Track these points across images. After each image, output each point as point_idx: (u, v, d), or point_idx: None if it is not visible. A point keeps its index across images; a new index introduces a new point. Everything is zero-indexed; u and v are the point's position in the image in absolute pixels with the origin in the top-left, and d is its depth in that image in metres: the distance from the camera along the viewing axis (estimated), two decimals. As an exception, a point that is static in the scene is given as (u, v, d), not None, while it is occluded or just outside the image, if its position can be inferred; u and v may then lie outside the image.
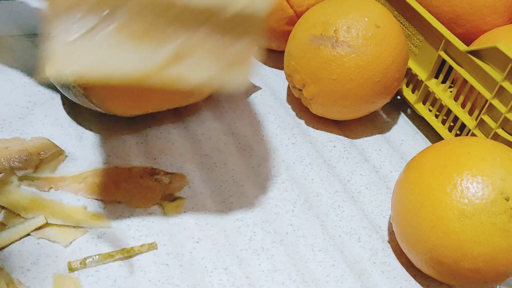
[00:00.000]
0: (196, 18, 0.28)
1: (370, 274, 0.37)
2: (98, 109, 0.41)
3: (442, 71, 0.46)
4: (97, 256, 0.35)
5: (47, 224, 0.36)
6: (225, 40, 0.29)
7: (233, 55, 0.30)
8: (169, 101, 0.44)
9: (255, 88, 0.51)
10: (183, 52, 0.28)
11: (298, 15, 0.49)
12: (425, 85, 0.48)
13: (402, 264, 0.39)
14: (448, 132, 0.47)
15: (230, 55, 0.30)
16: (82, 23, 0.27)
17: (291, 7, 0.49)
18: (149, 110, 0.43)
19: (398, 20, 0.48)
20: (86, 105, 0.42)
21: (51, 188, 0.39)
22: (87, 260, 0.35)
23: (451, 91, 0.46)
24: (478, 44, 0.45)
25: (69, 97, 0.42)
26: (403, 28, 0.48)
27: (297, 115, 0.49)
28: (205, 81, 0.30)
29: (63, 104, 0.46)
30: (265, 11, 0.30)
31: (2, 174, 0.38)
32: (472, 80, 0.43)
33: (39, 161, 0.40)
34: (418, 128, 0.51)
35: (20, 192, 0.38)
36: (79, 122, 0.44)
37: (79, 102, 0.42)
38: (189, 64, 0.29)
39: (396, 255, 0.39)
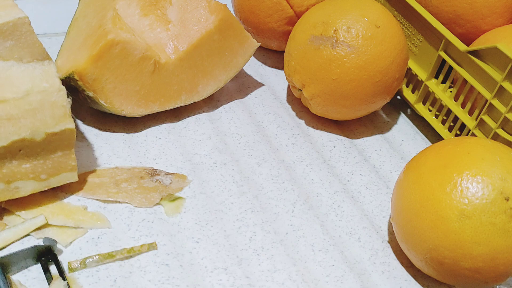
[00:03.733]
0: (9, 153, 0.34)
1: (370, 274, 0.37)
2: (107, 110, 0.42)
3: (442, 71, 0.46)
4: (97, 256, 0.35)
5: (47, 224, 0.36)
6: (41, 158, 0.35)
7: (53, 166, 0.36)
8: (174, 99, 0.44)
9: (258, 85, 0.51)
10: (5, 179, 0.35)
11: (298, 15, 0.50)
12: (425, 85, 0.48)
13: (402, 264, 0.39)
14: (448, 132, 0.47)
15: (49, 167, 0.36)
16: None
17: (291, 7, 0.49)
18: (155, 110, 0.44)
19: (398, 20, 0.48)
20: (95, 107, 0.42)
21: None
22: (87, 260, 0.35)
23: (451, 91, 0.46)
24: (478, 44, 0.45)
25: (77, 100, 0.42)
26: (403, 28, 0.48)
27: (297, 115, 0.49)
28: (35, 190, 0.36)
29: (63, 104, 0.46)
30: (71, 126, 0.35)
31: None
32: (472, 80, 0.43)
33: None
34: (418, 128, 0.51)
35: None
36: (79, 122, 0.44)
37: (87, 104, 0.42)
38: (13, 185, 0.35)
39: (396, 255, 0.39)
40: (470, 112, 0.44)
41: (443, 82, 0.48)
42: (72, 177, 0.37)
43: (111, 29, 0.40)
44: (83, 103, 0.43)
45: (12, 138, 0.33)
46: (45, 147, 0.35)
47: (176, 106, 0.45)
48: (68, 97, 0.35)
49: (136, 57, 0.41)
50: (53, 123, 0.35)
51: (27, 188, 0.36)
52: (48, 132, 0.34)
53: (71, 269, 0.34)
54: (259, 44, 0.47)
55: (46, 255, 0.34)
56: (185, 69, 0.44)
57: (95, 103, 0.41)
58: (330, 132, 0.48)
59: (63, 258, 0.35)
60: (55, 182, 0.37)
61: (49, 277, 0.33)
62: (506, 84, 0.40)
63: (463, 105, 0.45)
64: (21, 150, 0.34)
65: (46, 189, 0.37)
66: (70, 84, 0.40)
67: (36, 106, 0.34)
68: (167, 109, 0.45)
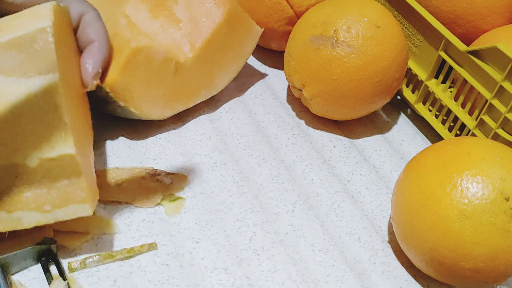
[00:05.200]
0: (4, 178, 0.31)
1: (370, 274, 0.37)
2: (137, 117, 0.42)
3: (442, 71, 0.46)
4: (97, 256, 0.35)
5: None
6: (44, 187, 0.32)
7: (58, 196, 0.32)
8: (195, 96, 0.45)
9: (258, 85, 0.51)
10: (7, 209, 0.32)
11: (298, 15, 0.49)
12: (425, 85, 0.48)
13: (402, 264, 0.39)
14: (448, 132, 0.47)
15: (53, 198, 0.32)
16: None
17: (291, 7, 0.49)
18: (180, 109, 0.45)
19: (398, 20, 0.48)
20: (124, 115, 0.43)
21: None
22: (87, 260, 0.35)
23: (451, 91, 0.46)
24: (478, 44, 0.45)
25: (105, 111, 0.43)
26: (403, 28, 0.48)
27: (297, 115, 0.49)
28: (40, 222, 0.32)
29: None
30: (70, 151, 0.31)
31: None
32: (472, 80, 0.43)
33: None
34: (418, 128, 0.51)
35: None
36: (79, 122, 0.44)
37: (116, 113, 0.43)
38: (15, 215, 0.32)
39: (396, 255, 0.39)
40: (470, 112, 0.44)
41: (443, 82, 0.48)
42: (84, 211, 0.33)
43: (131, 37, 0.41)
44: (111, 114, 0.43)
45: (1, 163, 0.30)
46: (46, 174, 0.31)
47: (197, 102, 0.46)
48: (66, 117, 0.31)
49: (158, 61, 0.42)
50: (48, 147, 0.31)
51: (30, 219, 0.32)
52: (42, 157, 0.31)
53: (71, 269, 0.34)
54: (263, 29, 0.48)
55: (46, 255, 0.34)
56: (202, 65, 0.45)
57: (126, 112, 0.42)
58: (330, 132, 0.48)
59: (63, 258, 0.35)
60: (63, 214, 0.32)
61: (49, 277, 0.33)
62: (506, 84, 0.40)
63: (463, 105, 0.45)
64: (16, 176, 0.31)
65: (53, 222, 0.32)
66: (100, 96, 0.40)
67: (27, 128, 0.30)
68: (189, 107, 0.45)
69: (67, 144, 0.31)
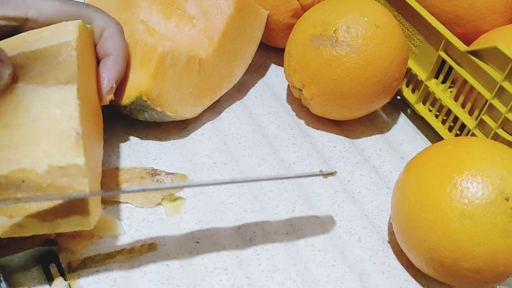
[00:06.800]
0: (11, 183, 0.30)
1: (370, 274, 0.37)
2: (173, 119, 0.43)
3: (442, 71, 0.46)
4: (97, 256, 0.35)
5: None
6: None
7: (62, 206, 0.31)
8: (219, 89, 0.46)
9: (258, 85, 0.51)
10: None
11: (304, 8, 0.49)
12: (425, 85, 0.48)
13: (402, 264, 0.39)
14: (448, 132, 0.47)
15: (57, 207, 0.31)
16: None
17: (297, 0, 0.49)
18: (207, 104, 0.45)
19: (398, 20, 0.48)
20: (160, 119, 0.43)
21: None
22: (87, 260, 0.35)
23: (451, 91, 0.46)
24: (478, 44, 0.45)
25: (141, 119, 0.43)
26: (403, 28, 0.48)
27: (297, 115, 0.49)
28: (40, 231, 0.32)
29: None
30: (79, 162, 0.31)
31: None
32: (472, 80, 0.43)
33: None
34: (418, 128, 0.51)
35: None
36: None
37: (152, 119, 0.43)
38: (16, 221, 0.31)
39: (396, 255, 0.39)
40: (470, 112, 0.44)
41: (443, 82, 0.48)
42: (86, 224, 0.32)
43: (154, 42, 0.41)
44: (147, 121, 0.44)
45: (11, 167, 0.30)
46: (53, 181, 0.31)
47: (222, 94, 0.46)
48: (79, 128, 0.32)
49: (183, 61, 0.42)
50: (58, 154, 0.31)
51: (31, 227, 0.32)
52: (51, 164, 0.30)
53: (71, 269, 0.34)
54: (268, 12, 0.49)
55: (46, 256, 0.34)
56: (221, 57, 0.46)
57: (162, 116, 0.42)
58: (330, 132, 0.48)
59: (63, 259, 0.35)
60: (64, 225, 0.32)
61: (50, 278, 0.33)
62: (506, 84, 0.40)
63: (463, 105, 0.45)
64: (24, 181, 0.30)
65: (52, 232, 0.32)
66: (136, 105, 0.41)
67: (40, 134, 0.31)
68: (215, 100, 0.46)
69: (77, 154, 0.31)
